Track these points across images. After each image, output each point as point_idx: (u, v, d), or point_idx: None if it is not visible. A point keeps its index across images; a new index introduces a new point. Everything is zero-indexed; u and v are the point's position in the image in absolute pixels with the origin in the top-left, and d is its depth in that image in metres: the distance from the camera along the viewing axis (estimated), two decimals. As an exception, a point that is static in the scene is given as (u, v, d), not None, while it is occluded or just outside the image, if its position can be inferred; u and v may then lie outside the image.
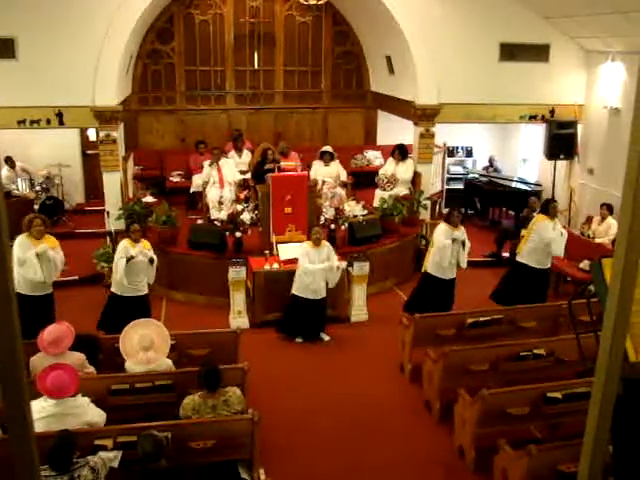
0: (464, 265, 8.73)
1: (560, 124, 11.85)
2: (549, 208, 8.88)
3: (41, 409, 4.95)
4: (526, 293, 8.76)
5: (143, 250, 8.01)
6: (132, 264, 7.94)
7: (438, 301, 8.55)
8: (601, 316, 1.83)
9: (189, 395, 5.50)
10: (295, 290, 8.55)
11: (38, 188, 12.67)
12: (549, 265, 9.03)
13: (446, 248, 8.47)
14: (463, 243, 8.59)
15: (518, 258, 9.08)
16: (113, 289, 8.20)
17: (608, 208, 10.44)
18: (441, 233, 8.61)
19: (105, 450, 4.89)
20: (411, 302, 8.99)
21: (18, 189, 12.46)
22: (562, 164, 12.26)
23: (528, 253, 8.92)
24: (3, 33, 9.92)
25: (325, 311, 8.80)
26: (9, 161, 12.08)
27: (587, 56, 11.89)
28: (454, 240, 8.46)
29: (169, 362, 6.25)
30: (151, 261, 8.05)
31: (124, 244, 8.06)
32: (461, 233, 8.63)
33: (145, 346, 6.07)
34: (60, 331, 5.75)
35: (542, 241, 8.74)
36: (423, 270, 8.93)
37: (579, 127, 12.01)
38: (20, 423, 1.15)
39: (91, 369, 6.13)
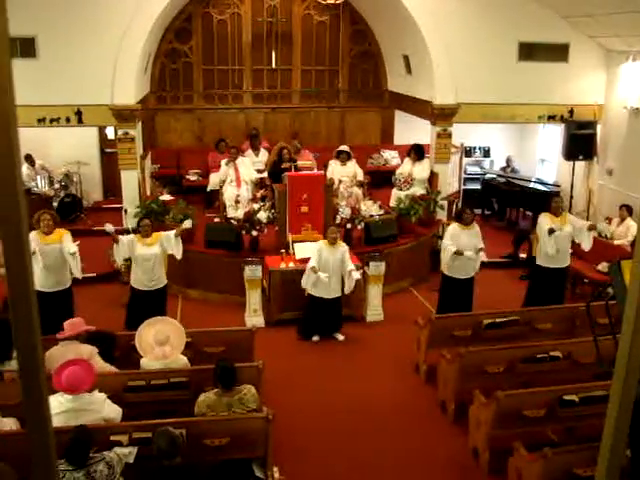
0: (477, 269, 8.65)
1: (579, 124, 11.76)
2: (551, 204, 8.82)
3: (58, 404, 4.99)
4: (545, 294, 8.70)
5: (146, 246, 8.04)
6: (138, 260, 8.02)
7: (458, 301, 8.52)
8: (620, 318, 1.81)
9: (204, 392, 5.53)
10: (308, 289, 8.55)
11: (57, 186, 12.78)
12: (564, 264, 8.88)
13: (449, 253, 8.48)
14: (481, 249, 8.53)
15: (537, 261, 9.05)
16: (132, 283, 8.29)
17: (627, 209, 10.34)
18: (448, 235, 8.65)
19: (121, 446, 4.93)
20: (439, 306, 8.97)
21: (37, 186, 12.58)
22: (581, 165, 12.17)
23: (539, 253, 8.91)
24: (24, 32, 10.01)
25: (341, 311, 8.79)
26: (29, 159, 12.19)
27: (607, 55, 11.79)
28: (460, 253, 8.41)
29: (185, 359, 6.28)
30: (178, 234, 8.21)
31: (131, 239, 8.19)
32: (474, 233, 8.58)
33: (160, 340, 6.10)
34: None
35: (542, 238, 8.72)
36: (440, 270, 8.93)
37: (598, 127, 11.91)
38: (39, 417, 1.17)
39: (102, 364, 6.11)
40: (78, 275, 7.99)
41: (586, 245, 8.75)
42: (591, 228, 8.72)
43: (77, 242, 7.89)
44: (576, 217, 9.05)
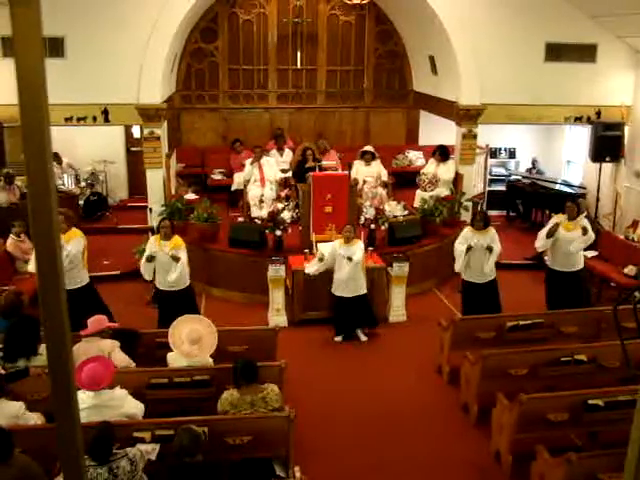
0: (487, 270, 8.48)
1: (606, 126, 11.61)
2: (565, 207, 8.72)
3: (81, 401, 5.03)
4: (563, 297, 8.60)
5: (165, 249, 7.98)
6: (158, 261, 8.02)
7: (482, 305, 8.45)
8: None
9: (227, 390, 5.55)
10: (334, 289, 8.59)
11: (83, 184, 12.94)
12: (577, 267, 8.73)
13: (460, 253, 8.45)
14: (490, 249, 8.42)
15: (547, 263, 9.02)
16: (156, 284, 8.31)
17: (655, 212, 10.20)
18: (459, 237, 8.62)
19: (143, 442, 4.97)
20: (463, 311, 8.89)
21: (64, 184, 12.74)
22: (607, 167, 12.02)
23: (550, 256, 8.84)
24: (53, 32, 10.13)
25: (368, 307, 8.75)
26: (56, 157, 12.34)
27: (636, 56, 11.62)
28: (470, 248, 8.36)
29: (210, 361, 6.29)
30: (175, 259, 7.94)
31: (151, 240, 8.17)
32: (488, 237, 8.48)
33: (192, 339, 6.12)
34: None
35: (555, 242, 8.65)
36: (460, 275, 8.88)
37: (626, 129, 11.76)
38: (67, 412, 1.18)
39: (122, 357, 6.15)
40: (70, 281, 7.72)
41: (573, 247, 8.59)
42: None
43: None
44: (590, 224, 8.86)
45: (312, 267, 8.67)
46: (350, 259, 8.36)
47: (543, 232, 8.71)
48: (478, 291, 8.57)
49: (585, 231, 8.50)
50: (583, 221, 8.64)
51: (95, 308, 7.73)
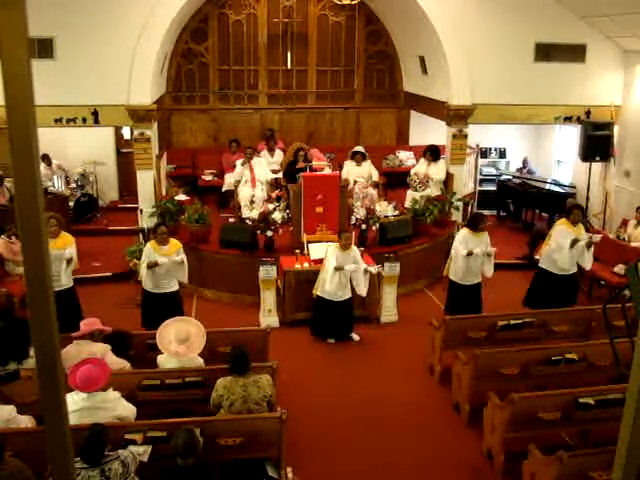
0: (489, 275, 8.58)
1: (596, 125, 11.66)
2: (571, 214, 8.62)
3: (72, 403, 5.01)
4: (552, 298, 8.60)
5: (164, 256, 7.95)
6: (161, 267, 7.97)
7: (466, 306, 8.46)
8: (636, 321, 1.79)
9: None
10: (319, 291, 8.56)
11: (73, 185, 12.89)
12: (573, 270, 8.76)
13: (460, 257, 8.39)
14: (488, 253, 8.45)
15: (539, 263, 8.99)
16: (143, 285, 8.28)
17: (644, 211, 10.24)
18: (460, 240, 8.51)
19: (135, 444, 4.95)
20: (447, 306, 8.90)
21: (54, 186, 12.68)
22: (597, 166, 12.07)
23: (547, 258, 8.82)
24: (42, 33, 10.08)
25: (352, 312, 8.77)
26: (46, 159, 12.29)
27: (625, 56, 11.69)
28: (469, 253, 8.33)
29: (200, 360, 6.29)
30: (182, 263, 8.05)
31: (148, 248, 8.10)
32: (484, 241, 8.48)
33: (180, 338, 6.11)
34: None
35: (558, 246, 8.59)
36: (444, 274, 8.87)
37: (615, 128, 11.81)
38: (56, 415, 1.18)
39: (115, 360, 6.13)
40: (65, 282, 8.00)
41: (586, 265, 8.72)
42: (589, 245, 8.54)
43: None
44: (586, 229, 8.89)
45: (331, 282, 8.44)
46: (366, 271, 8.43)
47: (565, 249, 8.53)
48: (465, 293, 8.58)
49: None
50: (582, 233, 8.65)
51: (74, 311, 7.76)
